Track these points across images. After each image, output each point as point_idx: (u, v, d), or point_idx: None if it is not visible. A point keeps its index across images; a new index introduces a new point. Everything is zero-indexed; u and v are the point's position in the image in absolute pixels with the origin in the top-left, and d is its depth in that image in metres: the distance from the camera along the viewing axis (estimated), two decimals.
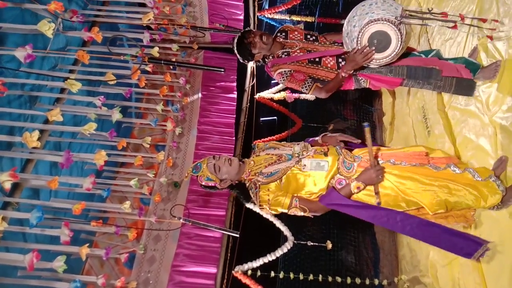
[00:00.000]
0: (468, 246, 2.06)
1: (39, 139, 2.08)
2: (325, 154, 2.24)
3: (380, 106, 5.27)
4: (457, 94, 2.77)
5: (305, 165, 2.21)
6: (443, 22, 2.42)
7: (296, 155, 2.25)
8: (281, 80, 2.67)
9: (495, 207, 2.26)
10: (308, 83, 2.58)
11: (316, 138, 2.52)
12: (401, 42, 2.24)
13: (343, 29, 2.42)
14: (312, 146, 2.36)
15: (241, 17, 5.22)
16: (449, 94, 3.13)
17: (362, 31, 2.23)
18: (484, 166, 2.43)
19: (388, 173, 2.18)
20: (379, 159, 2.25)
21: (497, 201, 2.18)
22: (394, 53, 2.30)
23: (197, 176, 2.26)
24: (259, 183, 2.20)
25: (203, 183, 2.27)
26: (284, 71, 2.60)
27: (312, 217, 2.29)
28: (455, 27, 2.39)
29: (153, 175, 3.66)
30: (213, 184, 2.25)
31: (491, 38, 2.57)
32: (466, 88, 2.66)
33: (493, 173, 2.25)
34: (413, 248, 3.73)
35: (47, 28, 1.92)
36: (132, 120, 4.06)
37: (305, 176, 2.21)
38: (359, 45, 2.29)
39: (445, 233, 2.10)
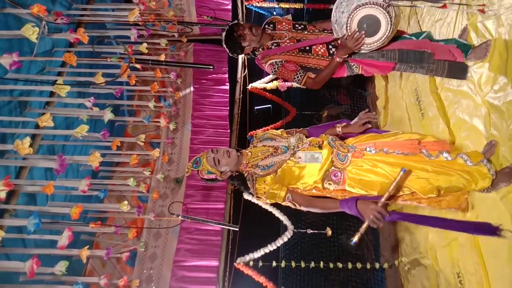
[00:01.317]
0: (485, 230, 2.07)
1: (31, 145, 2.07)
2: (320, 147, 2.27)
3: (373, 90, 5.26)
4: (450, 78, 2.76)
5: (300, 158, 2.23)
6: (432, 3, 2.40)
7: (292, 147, 2.27)
8: (272, 71, 2.64)
9: (485, 190, 2.31)
10: (300, 73, 2.55)
11: (337, 129, 2.48)
12: (391, 25, 2.22)
13: (332, 16, 2.39)
14: (329, 135, 2.38)
15: (229, 7, 5.16)
16: (441, 77, 3.12)
17: (351, 16, 2.21)
18: (477, 149, 2.46)
19: (381, 162, 2.20)
20: (371, 148, 2.26)
21: (487, 185, 2.23)
22: (385, 36, 2.28)
23: (198, 170, 2.29)
24: (256, 175, 2.24)
25: (204, 177, 2.30)
26: (275, 61, 2.57)
27: (305, 210, 2.31)
28: (444, 6, 2.37)
29: (150, 173, 3.66)
30: (214, 177, 2.30)
31: (482, 11, 2.54)
32: (459, 71, 2.65)
33: (484, 156, 2.28)
34: (412, 231, 3.76)
35: (31, 32, 1.89)
36: (125, 118, 4.04)
37: (300, 168, 2.24)
38: (349, 31, 2.27)
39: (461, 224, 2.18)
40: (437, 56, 2.53)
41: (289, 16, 2.90)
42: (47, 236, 2.28)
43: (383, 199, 2.04)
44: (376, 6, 2.17)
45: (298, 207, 2.27)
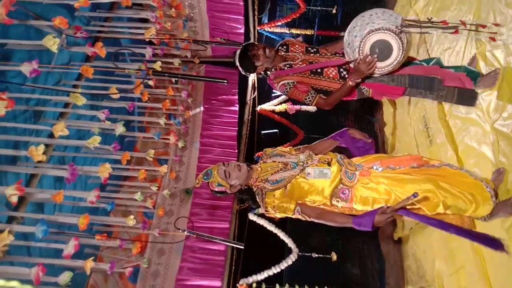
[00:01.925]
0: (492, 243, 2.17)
1: (44, 153, 2.10)
2: (329, 164, 2.30)
3: (381, 117, 5.29)
4: (460, 104, 2.80)
5: (309, 173, 2.27)
6: (444, 29, 2.46)
7: (301, 163, 2.29)
8: (284, 92, 2.69)
9: (483, 218, 2.31)
10: (311, 94, 2.60)
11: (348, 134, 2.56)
12: (403, 50, 2.27)
13: (344, 39, 2.45)
14: (337, 154, 2.42)
15: (242, 31, 5.28)
16: (450, 103, 3.15)
17: (364, 40, 2.27)
18: (486, 177, 2.47)
19: (388, 178, 2.24)
20: (378, 165, 2.29)
21: (487, 212, 2.24)
22: (396, 61, 2.33)
23: (208, 182, 2.32)
24: (265, 189, 2.27)
25: (215, 189, 2.32)
26: (288, 82, 2.62)
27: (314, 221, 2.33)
28: (456, 32, 2.42)
29: (157, 188, 3.67)
30: (223, 190, 2.32)
31: (493, 39, 2.60)
32: (468, 98, 2.68)
33: (491, 183, 2.31)
34: (418, 258, 3.70)
35: (52, 43, 1.96)
36: (135, 134, 4.08)
37: (309, 184, 2.27)
38: (361, 54, 2.32)
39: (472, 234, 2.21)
40: (447, 82, 2.57)
41: (300, 38, 2.98)
42: (53, 245, 2.28)
43: (390, 210, 2.08)
44: (389, 32, 2.22)
45: (308, 219, 2.28)
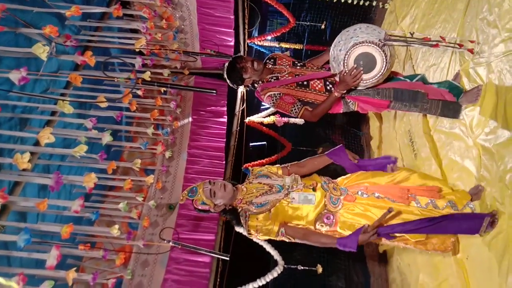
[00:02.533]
0: (472, 224, 2.26)
1: (29, 161, 2.08)
2: (314, 189, 2.31)
3: (367, 130, 5.37)
4: (443, 117, 2.85)
5: (293, 198, 2.27)
6: (424, 44, 2.53)
7: (286, 187, 2.30)
8: (270, 103, 2.71)
9: None
10: (297, 106, 2.62)
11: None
12: (386, 62, 2.31)
13: (330, 53, 2.50)
14: (322, 178, 2.43)
15: (232, 43, 5.33)
16: (434, 118, 3.22)
17: (348, 53, 2.31)
18: (468, 188, 2.53)
19: (372, 206, 2.28)
20: (363, 192, 2.33)
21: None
22: (380, 73, 2.37)
23: (192, 200, 2.29)
24: (249, 212, 2.26)
25: (198, 207, 2.30)
26: (274, 93, 2.65)
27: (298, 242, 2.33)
28: (436, 45, 2.49)
29: (142, 199, 3.64)
30: (207, 208, 2.30)
31: (471, 51, 2.69)
32: (452, 110, 2.74)
33: (470, 198, 2.38)
34: (403, 271, 3.73)
35: (41, 51, 1.96)
36: (122, 143, 4.06)
37: (293, 209, 2.28)
38: (346, 67, 2.36)
39: (449, 221, 2.24)
40: (431, 96, 2.63)
41: (288, 53, 3.03)
42: (34, 254, 2.24)
43: (371, 228, 2.13)
44: (372, 45, 2.27)
45: (292, 240, 2.28)
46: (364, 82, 2.42)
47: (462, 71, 2.89)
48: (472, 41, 2.71)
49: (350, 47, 2.28)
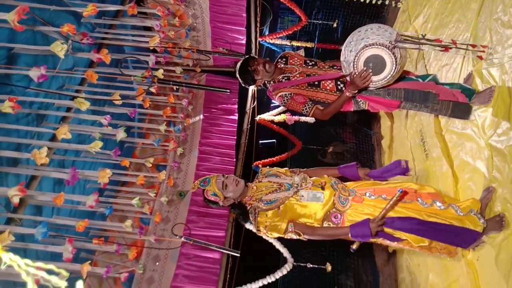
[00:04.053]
0: (466, 239, 2.30)
1: (46, 156, 2.13)
2: (322, 188, 2.34)
3: (378, 130, 5.35)
4: (454, 117, 2.85)
5: (302, 196, 2.31)
6: (435, 46, 2.53)
7: (295, 185, 2.34)
8: (282, 103, 2.77)
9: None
10: (308, 105, 2.67)
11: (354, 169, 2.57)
12: (396, 65, 2.32)
13: (341, 54, 2.52)
14: (345, 180, 2.48)
15: (243, 42, 5.35)
16: (446, 118, 3.21)
17: (358, 55, 2.33)
18: (479, 191, 2.53)
19: (380, 208, 2.29)
20: (371, 193, 2.36)
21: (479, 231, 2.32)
22: (390, 75, 2.38)
23: (204, 189, 2.34)
24: (259, 209, 2.30)
25: (209, 197, 2.35)
26: (285, 94, 2.70)
27: (306, 240, 2.37)
28: (446, 49, 2.49)
29: (154, 195, 3.69)
30: (217, 200, 2.35)
31: (481, 58, 2.68)
32: (462, 111, 2.74)
33: (475, 207, 2.39)
34: (412, 271, 3.73)
35: (59, 49, 2.01)
36: (134, 139, 4.12)
37: (302, 206, 2.32)
38: (355, 69, 2.38)
39: (445, 232, 2.28)
40: (442, 97, 2.63)
41: (302, 51, 3.04)
42: (51, 247, 2.30)
43: (380, 215, 2.20)
44: (382, 47, 2.28)
45: (301, 236, 2.31)
46: (374, 83, 2.44)
47: (475, 71, 2.88)
48: (484, 46, 2.70)
49: (360, 48, 2.30)
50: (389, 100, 2.64)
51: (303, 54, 3.02)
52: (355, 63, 2.36)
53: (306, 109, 2.68)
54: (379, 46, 2.27)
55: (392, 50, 2.28)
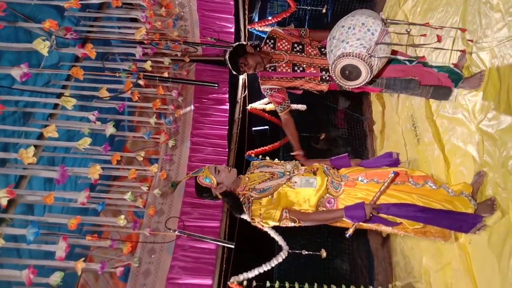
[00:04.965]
0: (466, 224, 2.30)
1: (34, 155, 2.10)
2: (314, 173, 2.36)
3: (370, 115, 5.36)
4: (434, 99, 2.95)
5: (295, 182, 2.33)
6: (420, 46, 2.55)
7: (288, 173, 2.35)
8: (264, 94, 2.93)
9: None
10: (283, 105, 2.85)
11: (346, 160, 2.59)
12: (371, 74, 2.34)
13: (327, 44, 2.51)
14: (337, 169, 2.49)
15: (232, 30, 5.28)
16: (438, 102, 3.22)
17: (335, 63, 2.34)
18: (470, 175, 2.54)
19: (372, 191, 2.31)
20: (363, 178, 2.37)
21: None
22: (365, 81, 2.40)
23: (196, 176, 2.35)
24: (252, 198, 2.31)
25: (201, 182, 2.37)
26: (269, 88, 2.85)
27: (302, 226, 2.38)
28: (439, 38, 2.47)
29: (147, 188, 3.67)
30: (209, 185, 2.36)
31: (472, 41, 2.69)
32: (442, 94, 2.84)
33: (467, 191, 2.41)
34: (406, 255, 3.77)
35: (42, 46, 1.96)
36: (125, 133, 4.08)
37: (296, 193, 2.33)
38: (333, 74, 2.41)
39: (442, 217, 2.28)
40: (424, 82, 2.67)
41: (292, 26, 3.07)
42: (44, 246, 2.28)
43: (375, 198, 2.23)
44: (357, 59, 2.26)
45: (296, 223, 2.31)
46: (351, 87, 2.47)
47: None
48: (470, 41, 2.73)
49: (337, 57, 2.29)
50: (371, 88, 2.77)
51: (293, 26, 3.11)
52: (333, 69, 2.40)
53: (279, 108, 2.87)
54: (354, 58, 2.26)
55: (368, 60, 2.27)
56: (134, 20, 3.82)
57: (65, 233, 2.60)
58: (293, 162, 2.46)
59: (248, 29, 5.57)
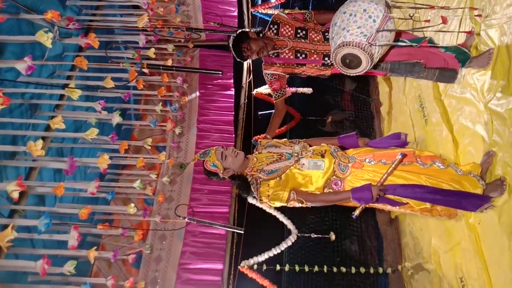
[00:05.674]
0: (472, 203, 2.28)
1: (42, 147, 2.11)
2: (322, 156, 2.36)
3: (377, 96, 5.30)
4: (439, 82, 2.93)
5: (303, 164, 2.33)
6: (425, 28, 2.49)
7: (296, 154, 2.35)
8: (265, 79, 2.99)
9: None
10: (279, 93, 2.97)
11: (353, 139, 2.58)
12: (371, 63, 2.28)
13: (330, 30, 2.46)
14: (345, 148, 2.51)
15: (235, 13, 5.22)
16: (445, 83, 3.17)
17: (335, 52, 2.29)
18: (479, 155, 2.52)
19: (380, 173, 2.30)
20: (371, 159, 2.36)
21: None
22: (366, 70, 2.34)
23: (203, 160, 2.35)
24: (260, 179, 2.32)
25: (208, 168, 2.38)
26: (270, 73, 2.90)
27: (309, 208, 2.40)
28: (444, 19, 2.41)
29: (156, 176, 3.70)
30: (216, 171, 2.37)
31: (480, 16, 2.65)
32: (448, 77, 2.77)
33: (476, 171, 2.40)
34: (415, 236, 3.78)
35: (45, 38, 1.95)
36: (131, 122, 4.09)
37: (303, 175, 2.33)
38: (334, 62, 2.36)
39: (450, 197, 2.28)
40: (429, 64, 2.62)
41: (296, 9, 3.06)
42: (56, 236, 2.32)
43: (382, 180, 2.23)
44: (358, 48, 2.21)
45: (303, 203, 2.33)
46: (352, 74, 2.43)
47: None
48: (478, 16, 2.66)
49: (337, 46, 2.24)
50: (375, 72, 2.75)
51: (298, 9, 3.13)
52: (332, 58, 2.36)
53: (275, 95, 2.99)
54: (354, 47, 2.21)
55: (368, 49, 2.22)
56: (136, 7, 3.79)
57: (76, 222, 2.64)
58: (301, 144, 2.44)
59: (251, 12, 5.50)
